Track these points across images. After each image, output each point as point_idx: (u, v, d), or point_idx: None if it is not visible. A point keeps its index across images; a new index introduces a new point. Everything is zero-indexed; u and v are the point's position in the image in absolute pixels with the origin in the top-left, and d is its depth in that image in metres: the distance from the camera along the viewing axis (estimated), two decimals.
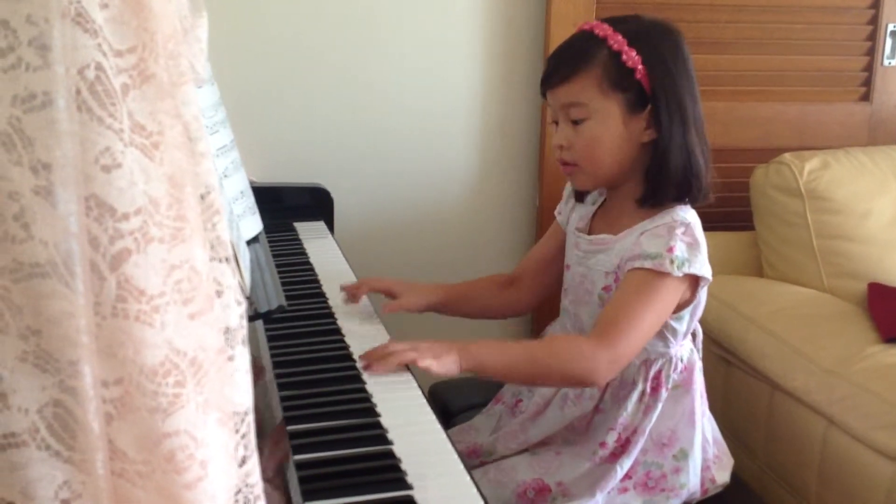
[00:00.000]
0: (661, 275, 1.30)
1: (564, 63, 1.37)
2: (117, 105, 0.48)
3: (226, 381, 0.54)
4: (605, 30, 1.34)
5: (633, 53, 1.32)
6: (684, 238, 1.32)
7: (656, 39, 1.35)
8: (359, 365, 1.25)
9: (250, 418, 0.57)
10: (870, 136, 2.47)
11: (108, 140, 0.47)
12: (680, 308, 1.37)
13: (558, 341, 1.38)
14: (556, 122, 1.40)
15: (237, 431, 0.55)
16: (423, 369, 1.22)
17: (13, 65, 0.45)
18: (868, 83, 2.46)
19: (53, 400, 0.47)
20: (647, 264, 1.31)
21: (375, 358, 1.24)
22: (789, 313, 2.01)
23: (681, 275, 1.30)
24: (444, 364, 1.23)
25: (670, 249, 1.30)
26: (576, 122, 1.36)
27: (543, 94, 1.42)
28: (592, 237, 1.45)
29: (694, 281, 1.35)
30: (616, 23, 1.36)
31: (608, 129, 1.34)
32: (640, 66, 1.32)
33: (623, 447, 1.39)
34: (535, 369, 1.33)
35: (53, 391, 0.47)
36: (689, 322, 1.40)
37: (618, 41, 1.32)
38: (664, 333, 1.38)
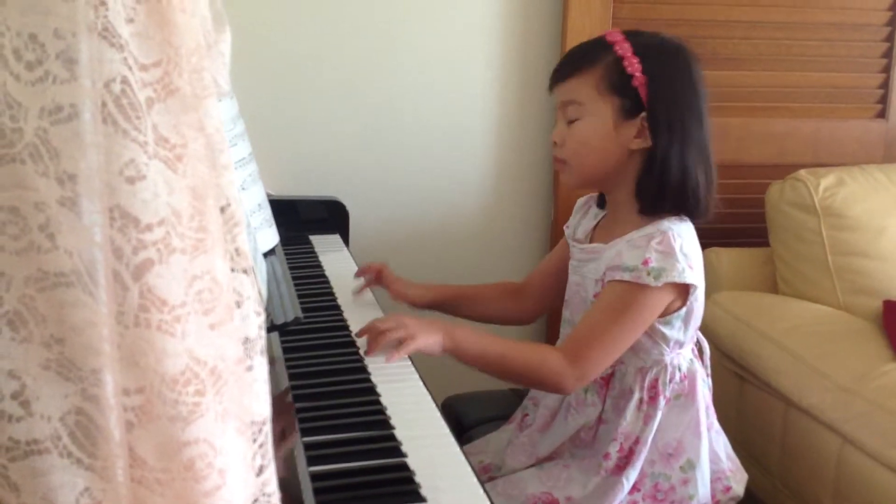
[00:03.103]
0: (641, 287, 1.32)
1: (570, 62, 1.42)
2: (142, 118, 0.48)
3: (245, 390, 0.55)
4: (615, 37, 1.38)
5: (636, 62, 1.35)
6: (658, 248, 1.33)
7: (664, 54, 1.38)
8: (362, 351, 1.32)
9: (268, 428, 0.57)
10: (885, 154, 2.46)
11: (132, 152, 0.48)
12: (667, 314, 1.37)
13: (533, 351, 1.39)
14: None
15: (255, 441, 0.56)
16: (414, 351, 1.30)
17: (41, 78, 0.46)
18: (884, 100, 2.46)
19: (75, 408, 0.48)
20: (627, 277, 1.33)
21: (371, 338, 1.32)
22: (804, 330, 2.01)
23: (660, 285, 1.31)
24: (428, 345, 1.31)
25: (645, 262, 1.32)
26: (571, 121, 1.40)
27: (550, 90, 1.46)
28: (585, 246, 1.49)
29: (682, 289, 1.35)
30: (630, 34, 1.39)
31: (597, 131, 1.38)
32: (638, 74, 1.34)
33: (627, 458, 1.39)
34: (508, 371, 1.38)
35: (76, 399, 0.48)
36: (681, 330, 1.40)
37: (624, 48, 1.36)
38: (655, 340, 1.39)
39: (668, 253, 1.32)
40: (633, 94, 1.35)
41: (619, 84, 1.36)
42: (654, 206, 1.39)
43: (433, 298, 1.63)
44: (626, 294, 1.33)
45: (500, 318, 1.67)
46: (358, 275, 1.66)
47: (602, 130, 1.37)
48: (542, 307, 1.68)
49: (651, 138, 1.36)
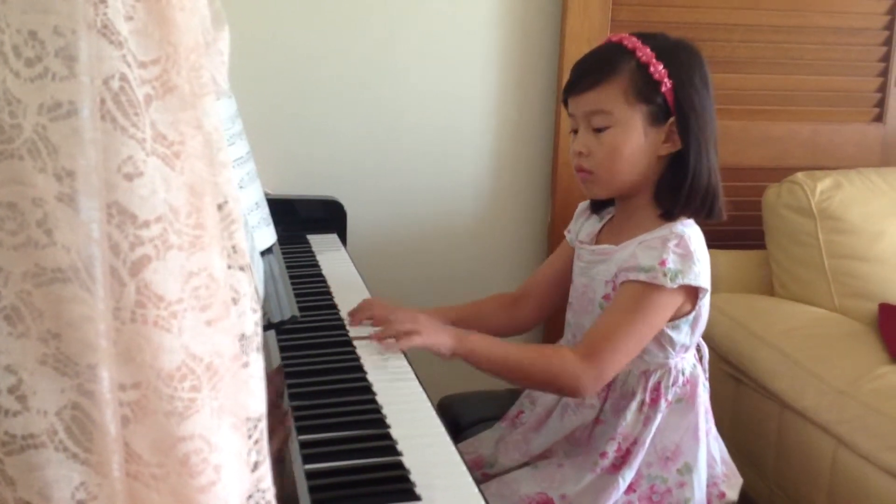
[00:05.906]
0: (656, 287, 1.32)
1: (591, 71, 1.39)
2: (140, 115, 0.49)
3: (240, 387, 0.55)
4: (633, 42, 1.37)
5: (661, 67, 1.34)
6: (676, 250, 1.33)
7: (683, 56, 1.38)
8: (358, 350, 1.30)
9: (263, 424, 0.57)
10: (883, 157, 2.47)
11: (130, 149, 0.48)
12: (676, 318, 1.38)
13: (549, 353, 1.38)
14: (575, 131, 1.42)
15: (250, 437, 0.56)
16: (419, 346, 1.30)
17: (40, 74, 0.46)
18: (881, 104, 2.46)
19: (72, 402, 0.48)
20: (642, 277, 1.33)
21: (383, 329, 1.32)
22: (800, 333, 2.01)
23: (675, 286, 1.32)
24: (435, 343, 1.30)
25: (662, 262, 1.32)
26: (597, 131, 1.38)
27: (565, 102, 1.43)
28: (595, 247, 1.48)
29: (693, 292, 1.36)
30: (644, 37, 1.38)
31: (629, 139, 1.36)
32: (666, 80, 1.34)
33: (624, 458, 1.39)
34: (523, 374, 1.36)
35: (72, 394, 0.48)
36: (688, 334, 1.40)
37: (646, 54, 1.35)
38: (662, 344, 1.39)
39: (686, 256, 1.33)
40: (660, 101, 1.35)
41: (646, 91, 1.35)
42: (678, 210, 1.39)
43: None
44: (641, 294, 1.33)
45: (501, 330, 1.63)
46: (352, 320, 1.48)
47: (634, 139, 1.36)
48: (541, 315, 1.65)
49: (684, 140, 1.36)
